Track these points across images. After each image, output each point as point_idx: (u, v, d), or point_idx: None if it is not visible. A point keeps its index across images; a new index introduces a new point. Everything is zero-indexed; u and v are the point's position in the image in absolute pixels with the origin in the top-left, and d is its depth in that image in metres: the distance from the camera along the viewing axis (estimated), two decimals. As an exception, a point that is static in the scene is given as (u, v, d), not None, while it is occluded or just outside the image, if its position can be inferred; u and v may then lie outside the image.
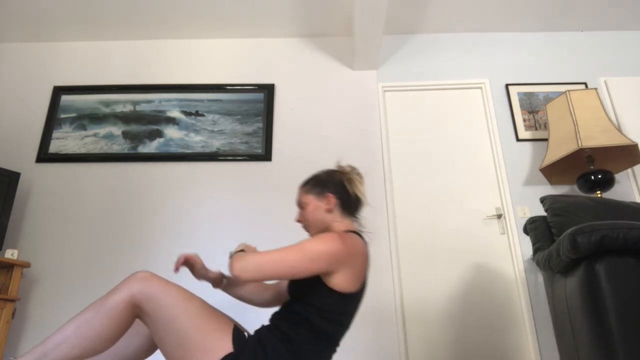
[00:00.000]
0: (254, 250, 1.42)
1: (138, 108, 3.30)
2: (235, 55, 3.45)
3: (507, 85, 3.31)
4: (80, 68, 3.43)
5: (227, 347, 1.24)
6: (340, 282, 1.32)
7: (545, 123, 3.18)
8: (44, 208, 2.98)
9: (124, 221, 2.94)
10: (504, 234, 2.94)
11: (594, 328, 1.63)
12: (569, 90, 2.85)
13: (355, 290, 1.37)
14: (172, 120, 3.25)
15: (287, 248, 1.30)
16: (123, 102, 3.31)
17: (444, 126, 3.25)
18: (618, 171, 2.90)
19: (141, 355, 1.44)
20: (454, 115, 3.29)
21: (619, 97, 3.25)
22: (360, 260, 1.37)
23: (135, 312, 1.28)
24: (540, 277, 2.78)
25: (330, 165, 1.67)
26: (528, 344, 2.67)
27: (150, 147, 3.17)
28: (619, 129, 3.08)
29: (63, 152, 3.15)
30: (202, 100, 3.31)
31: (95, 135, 3.21)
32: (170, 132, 3.21)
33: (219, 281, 1.59)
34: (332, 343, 1.36)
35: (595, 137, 2.65)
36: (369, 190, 2.97)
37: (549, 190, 3.01)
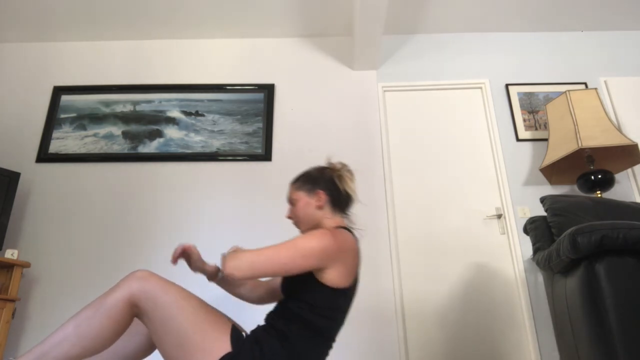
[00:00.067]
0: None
1: (138, 108, 3.30)
2: (235, 55, 3.45)
3: (507, 85, 3.31)
4: (80, 68, 3.43)
5: (226, 347, 1.24)
6: (332, 277, 1.34)
7: (545, 123, 3.18)
8: (44, 208, 2.98)
9: (124, 221, 2.94)
10: (504, 234, 2.94)
11: (594, 328, 1.63)
12: (569, 90, 2.85)
13: (348, 286, 1.38)
14: (172, 120, 3.26)
15: (279, 245, 1.31)
16: (123, 102, 3.31)
17: (444, 126, 3.25)
18: (618, 171, 2.90)
19: (141, 354, 1.44)
20: (454, 115, 3.29)
21: (619, 97, 3.25)
22: (351, 256, 1.39)
23: (134, 311, 1.28)
24: (540, 277, 2.78)
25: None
26: (528, 344, 2.67)
27: (150, 147, 3.17)
28: (619, 129, 3.08)
29: (63, 152, 3.15)
30: (202, 100, 3.31)
31: (95, 135, 3.21)
32: (170, 132, 3.22)
33: (214, 275, 1.59)
34: (327, 339, 1.37)
35: (595, 137, 2.65)
36: (370, 190, 3.00)
37: (549, 190, 3.01)
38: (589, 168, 2.74)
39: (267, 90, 3.31)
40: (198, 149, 3.15)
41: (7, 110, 3.28)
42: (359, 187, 2.96)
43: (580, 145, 2.62)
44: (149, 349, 1.45)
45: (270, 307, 1.51)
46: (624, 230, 1.59)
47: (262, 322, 1.42)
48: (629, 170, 3.06)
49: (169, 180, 3.06)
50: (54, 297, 2.75)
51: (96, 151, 3.15)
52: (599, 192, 2.71)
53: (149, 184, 3.05)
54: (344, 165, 1.59)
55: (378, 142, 3.14)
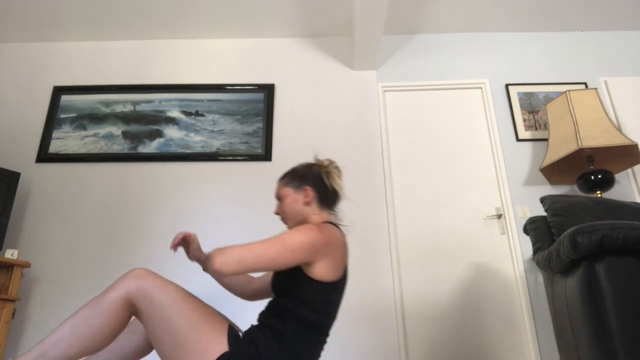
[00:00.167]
0: None
1: (138, 108, 3.30)
2: (235, 55, 3.45)
3: (507, 85, 3.31)
4: (80, 68, 3.43)
5: (223, 347, 1.24)
6: (321, 271, 1.35)
7: (545, 123, 3.18)
8: (44, 208, 2.98)
9: (124, 221, 2.94)
10: (504, 234, 2.94)
11: (594, 328, 1.63)
12: (569, 90, 2.84)
13: (337, 279, 1.40)
14: (172, 120, 3.26)
15: (267, 240, 1.32)
16: (123, 102, 3.32)
17: (444, 126, 3.25)
18: (618, 171, 2.90)
19: (140, 353, 1.44)
20: (454, 115, 3.29)
21: (619, 97, 3.25)
22: (338, 249, 1.40)
23: (132, 309, 1.28)
24: (540, 277, 2.78)
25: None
26: (528, 344, 2.67)
27: (150, 147, 3.17)
28: (619, 129, 3.08)
29: (63, 152, 3.15)
30: (202, 100, 3.31)
31: (95, 135, 3.21)
32: (170, 132, 3.22)
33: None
34: (321, 333, 1.38)
35: (595, 137, 2.65)
36: (370, 190, 3.00)
37: (549, 190, 3.01)
38: (589, 168, 2.74)
39: (267, 90, 3.31)
40: (198, 149, 3.15)
41: (7, 110, 3.28)
42: (359, 187, 2.99)
43: (580, 145, 2.62)
44: (148, 348, 1.45)
45: (262, 306, 1.51)
46: (624, 230, 1.59)
47: (254, 321, 1.43)
48: (629, 170, 3.06)
49: (169, 180, 3.06)
50: (54, 297, 2.75)
51: (96, 151, 3.15)
52: (599, 192, 2.71)
53: (149, 184, 3.05)
54: (331, 162, 1.60)
55: (378, 142, 3.14)
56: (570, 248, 1.70)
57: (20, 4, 3.16)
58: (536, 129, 3.18)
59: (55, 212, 2.97)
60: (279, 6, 3.21)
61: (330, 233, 1.39)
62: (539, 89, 3.29)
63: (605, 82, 3.31)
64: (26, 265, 2.61)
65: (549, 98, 3.24)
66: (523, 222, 2.89)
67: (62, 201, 3.00)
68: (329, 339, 1.44)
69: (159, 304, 1.26)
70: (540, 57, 3.42)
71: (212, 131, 3.21)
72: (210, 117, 3.26)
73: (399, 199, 3.05)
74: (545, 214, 2.30)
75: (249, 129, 3.21)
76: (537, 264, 2.19)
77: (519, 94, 3.29)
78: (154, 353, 1.55)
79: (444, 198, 3.04)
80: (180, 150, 3.15)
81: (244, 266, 1.28)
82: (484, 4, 3.26)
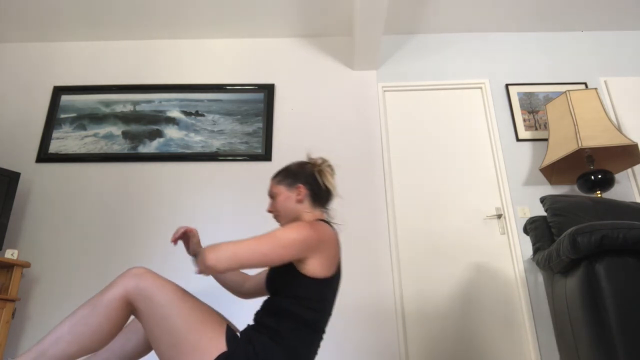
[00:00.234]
0: None
1: (138, 108, 3.30)
2: (235, 55, 3.45)
3: (507, 85, 3.31)
4: (80, 68, 3.43)
5: (221, 347, 1.25)
6: (314, 268, 1.35)
7: (545, 123, 3.18)
8: (44, 208, 2.98)
9: (124, 221, 2.94)
10: (504, 234, 2.94)
11: (594, 328, 1.63)
12: (569, 90, 2.84)
13: (331, 275, 1.40)
14: (172, 120, 3.26)
15: (260, 237, 1.32)
16: (123, 102, 3.32)
17: (444, 126, 3.25)
18: (618, 171, 2.90)
19: (139, 353, 1.44)
20: (454, 115, 3.29)
21: (619, 97, 3.25)
22: (331, 246, 1.40)
23: (130, 308, 1.28)
24: (540, 277, 2.78)
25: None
26: (528, 344, 2.67)
27: (150, 147, 3.17)
28: (619, 129, 3.08)
29: (63, 152, 3.15)
30: (202, 100, 3.31)
31: (95, 135, 3.21)
32: (170, 132, 3.22)
33: None
34: (317, 330, 1.38)
35: (595, 137, 2.65)
36: (370, 190, 2.99)
37: (549, 190, 3.01)
38: (589, 168, 2.74)
39: (267, 90, 3.31)
40: (198, 149, 3.15)
41: (7, 110, 3.28)
42: (359, 187, 2.99)
43: (580, 145, 2.62)
44: (148, 348, 1.45)
45: (259, 305, 1.51)
46: (624, 230, 1.59)
47: (251, 320, 1.43)
48: (629, 170, 3.06)
49: (169, 180, 3.06)
50: (54, 297, 2.75)
51: (96, 151, 3.15)
52: (599, 192, 2.71)
53: (149, 184, 3.05)
54: (324, 161, 1.61)
55: (378, 142, 3.14)
56: (570, 248, 1.70)
57: (20, 4, 3.16)
58: (536, 129, 3.18)
59: (55, 212, 2.97)
60: (279, 6, 3.21)
61: (322, 230, 1.39)
62: (539, 89, 3.29)
63: (605, 82, 3.31)
64: (26, 265, 2.61)
65: (549, 98, 3.24)
66: (523, 222, 2.89)
67: (62, 201, 3.00)
68: (329, 339, 1.44)
69: (157, 303, 1.25)
70: (540, 57, 3.42)
71: (212, 131, 3.21)
72: (210, 117, 3.26)
73: (399, 199, 3.05)
74: (545, 214, 2.30)
75: (249, 129, 3.21)
76: (537, 264, 2.19)
77: (519, 94, 3.29)
78: (153, 353, 1.55)
79: (444, 198, 3.04)
80: (180, 150, 3.15)
81: (237, 262, 1.27)
82: (484, 4, 3.26)
